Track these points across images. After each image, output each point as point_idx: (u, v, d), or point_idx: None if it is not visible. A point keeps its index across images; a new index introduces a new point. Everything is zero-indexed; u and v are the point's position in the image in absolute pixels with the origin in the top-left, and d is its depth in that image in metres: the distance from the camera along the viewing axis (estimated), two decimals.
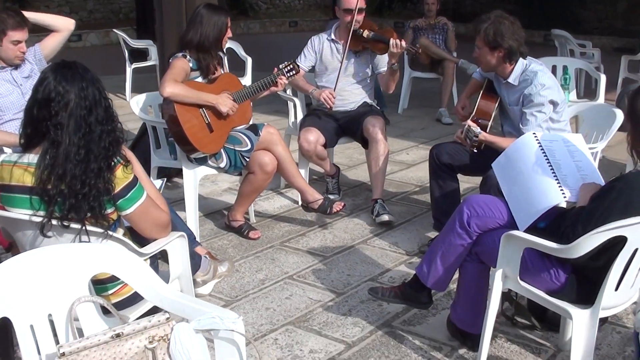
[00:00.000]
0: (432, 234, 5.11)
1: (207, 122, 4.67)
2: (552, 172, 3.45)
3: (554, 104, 4.43)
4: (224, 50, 5.10)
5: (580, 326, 3.04)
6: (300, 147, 5.48)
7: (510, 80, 4.53)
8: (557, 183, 3.41)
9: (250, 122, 5.07)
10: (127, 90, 9.91)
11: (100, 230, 2.79)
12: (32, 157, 2.76)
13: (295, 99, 5.94)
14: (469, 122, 4.35)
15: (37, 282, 2.34)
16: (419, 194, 6.21)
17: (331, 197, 5.69)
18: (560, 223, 3.23)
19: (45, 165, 2.70)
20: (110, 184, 2.76)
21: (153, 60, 9.96)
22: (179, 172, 5.27)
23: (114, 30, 11.02)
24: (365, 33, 5.53)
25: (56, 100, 2.70)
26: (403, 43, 5.30)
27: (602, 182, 3.42)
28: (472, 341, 3.63)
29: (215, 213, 5.59)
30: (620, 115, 4.71)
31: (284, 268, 4.63)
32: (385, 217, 5.31)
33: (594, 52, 10.55)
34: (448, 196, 4.88)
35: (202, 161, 4.83)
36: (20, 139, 2.86)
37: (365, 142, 5.66)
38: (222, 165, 4.84)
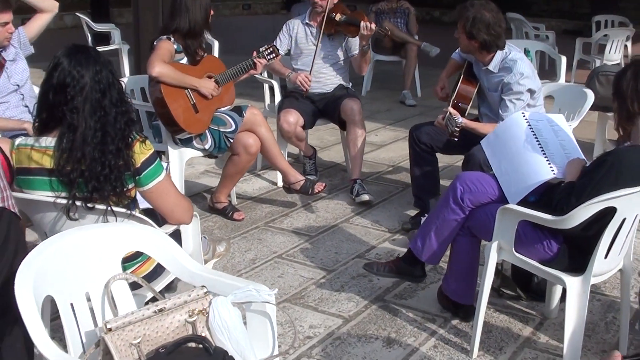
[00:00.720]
0: (411, 212, 5.27)
1: (192, 102, 4.74)
2: (541, 150, 3.63)
3: (531, 92, 4.59)
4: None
5: (573, 293, 3.21)
6: (281, 128, 5.58)
7: (490, 67, 4.67)
8: (546, 160, 3.59)
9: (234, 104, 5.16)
10: None
11: (123, 210, 2.87)
12: (49, 141, 2.81)
13: (273, 82, 6.03)
14: (451, 109, 4.43)
15: (74, 262, 2.41)
16: (392, 173, 6.37)
17: (310, 178, 5.80)
18: (550, 196, 3.41)
19: (63, 148, 2.76)
20: (130, 160, 2.84)
21: (116, 44, 9.97)
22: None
23: (77, 14, 10.93)
24: (338, 16, 5.66)
25: (72, 85, 2.75)
26: (373, 26, 5.45)
27: (584, 158, 3.61)
28: (464, 312, 3.82)
29: (195, 195, 5.65)
30: (591, 95, 4.90)
31: (272, 248, 4.74)
32: (365, 197, 5.45)
33: (549, 34, 10.81)
34: (428, 175, 5.02)
35: (187, 142, 4.90)
36: (35, 123, 2.91)
37: (342, 124, 5.79)
38: (207, 146, 4.91)
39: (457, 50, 5.19)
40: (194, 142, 4.89)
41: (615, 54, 9.93)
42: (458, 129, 4.24)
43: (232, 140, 4.89)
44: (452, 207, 3.66)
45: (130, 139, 2.87)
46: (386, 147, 7.22)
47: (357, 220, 5.21)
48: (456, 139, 4.32)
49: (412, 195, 5.16)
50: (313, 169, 6.07)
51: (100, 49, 9.64)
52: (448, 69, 5.22)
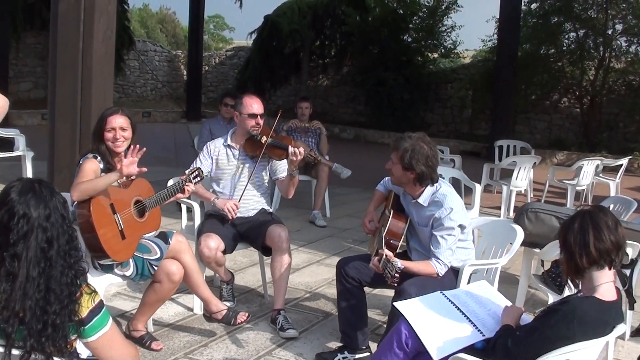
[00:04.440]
0: (334, 343, 5.12)
1: (120, 228, 4.52)
2: (467, 318, 3.62)
3: (462, 227, 4.59)
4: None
5: None
6: (201, 253, 5.38)
7: (420, 200, 4.66)
8: (471, 323, 3.57)
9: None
10: None
11: None
12: None
13: (193, 204, 5.87)
14: (387, 252, 4.24)
15: None
16: (311, 300, 6.22)
17: (226, 304, 5.59)
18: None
19: None
20: (74, 314, 2.60)
21: (20, 150, 9.66)
22: None
23: None
24: (264, 139, 5.58)
25: (15, 230, 2.53)
26: (301, 150, 5.37)
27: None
28: None
29: None
30: (520, 233, 4.92)
31: None
32: (291, 333, 5.24)
33: (455, 158, 11.05)
34: (356, 310, 4.87)
35: (108, 269, 4.65)
36: None
37: (265, 250, 5.64)
38: (129, 273, 4.68)
39: (382, 182, 5.19)
40: (116, 269, 4.64)
41: (522, 181, 10.23)
42: (398, 275, 4.07)
43: (156, 268, 4.68)
44: (396, 352, 3.56)
45: (77, 294, 2.64)
46: (301, 270, 7.08)
47: (279, 353, 5.01)
48: (395, 284, 4.18)
49: (339, 331, 4.99)
50: (230, 294, 5.86)
51: (3, 155, 9.52)
52: (375, 201, 5.18)
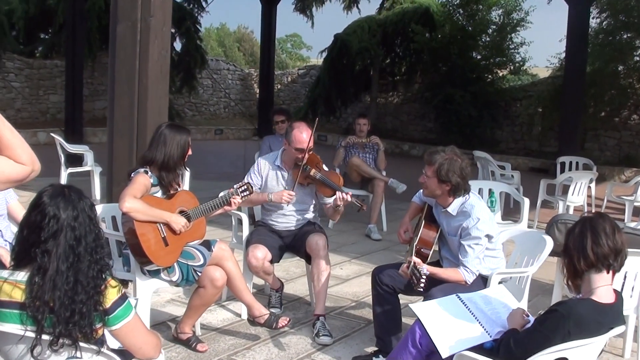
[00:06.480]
0: (372, 349, 5.33)
1: (162, 236, 4.85)
2: (476, 319, 3.81)
3: (489, 237, 4.79)
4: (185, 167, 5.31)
5: None
6: (249, 263, 5.67)
7: (449, 210, 4.87)
8: (481, 325, 3.77)
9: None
10: None
11: (94, 347, 2.93)
12: (22, 275, 2.87)
13: (242, 215, 6.17)
14: (415, 258, 4.53)
15: None
16: (356, 309, 6.45)
17: (273, 310, 5.89)
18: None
19: (32, 289, 2.82)
20: (99, 304, 2.92)
21: (89, 165, 10.15)
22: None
23: (52, 134, 11.16)
24: (313, 172, 5.79)
25: (46, 229, 2.84)
26: (349, 197, 5.58)
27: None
28: None
29: (160, 324, 5.68)
30: (550, 243, 5.08)
31: None
32: (325, 340, 5.47)
33: (514, 174, 11.17)
34: (390, 316, 5.11)
35: (155, 274, 4.99)
36: (12, 255, 2.99)
37: (308, 258, 5.90)
38: (175, 278, 5.00)
39: (417, 194, 5.40)
40: (162, 274, 4.98)
41: (578, 196, 10.25)
42: (424, 280, 4.32)
43: (200, 274, 4.99)
44: (410, 350, 3.79)
45: (102, 287, 2.95)
46: (350, 281, 7.32)
47: (318, 357, 5.26)
48: (422, 289, 4.41)
49: (374, 335, 5.22)
50: (278, 301, 6.15)
51: (73, 170, 10.04)
52: (410, 213, 5.40)
